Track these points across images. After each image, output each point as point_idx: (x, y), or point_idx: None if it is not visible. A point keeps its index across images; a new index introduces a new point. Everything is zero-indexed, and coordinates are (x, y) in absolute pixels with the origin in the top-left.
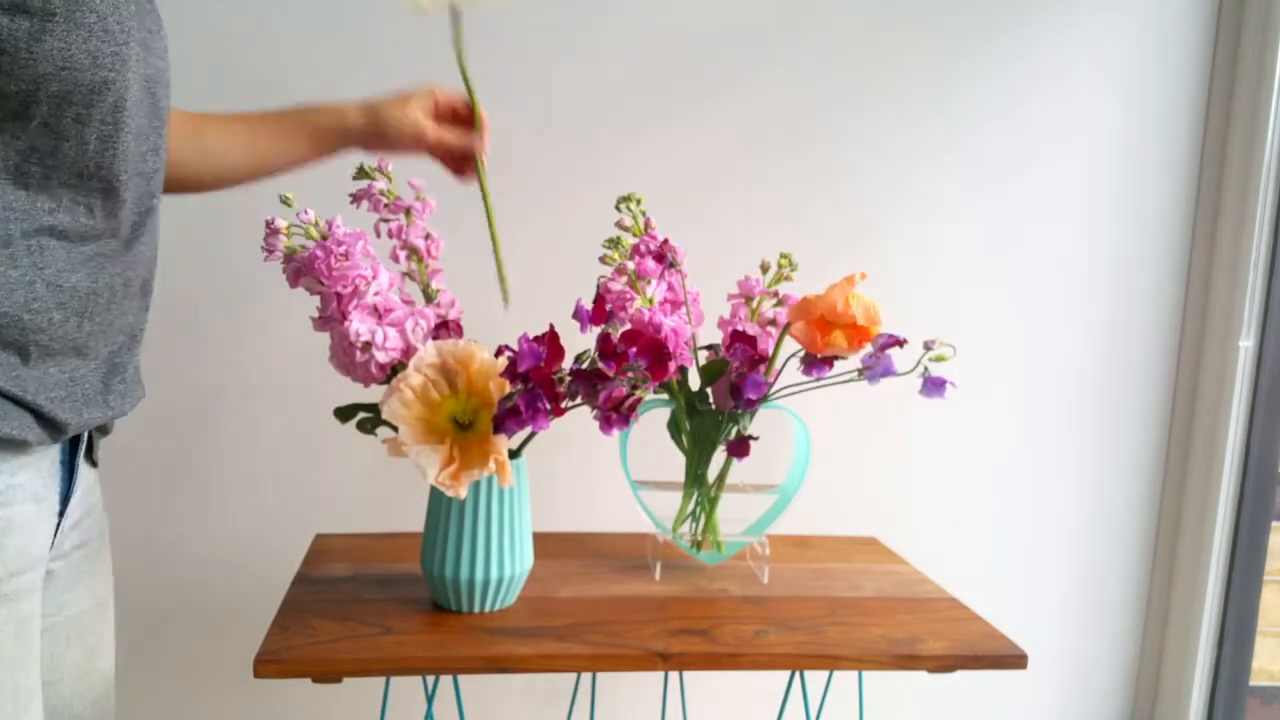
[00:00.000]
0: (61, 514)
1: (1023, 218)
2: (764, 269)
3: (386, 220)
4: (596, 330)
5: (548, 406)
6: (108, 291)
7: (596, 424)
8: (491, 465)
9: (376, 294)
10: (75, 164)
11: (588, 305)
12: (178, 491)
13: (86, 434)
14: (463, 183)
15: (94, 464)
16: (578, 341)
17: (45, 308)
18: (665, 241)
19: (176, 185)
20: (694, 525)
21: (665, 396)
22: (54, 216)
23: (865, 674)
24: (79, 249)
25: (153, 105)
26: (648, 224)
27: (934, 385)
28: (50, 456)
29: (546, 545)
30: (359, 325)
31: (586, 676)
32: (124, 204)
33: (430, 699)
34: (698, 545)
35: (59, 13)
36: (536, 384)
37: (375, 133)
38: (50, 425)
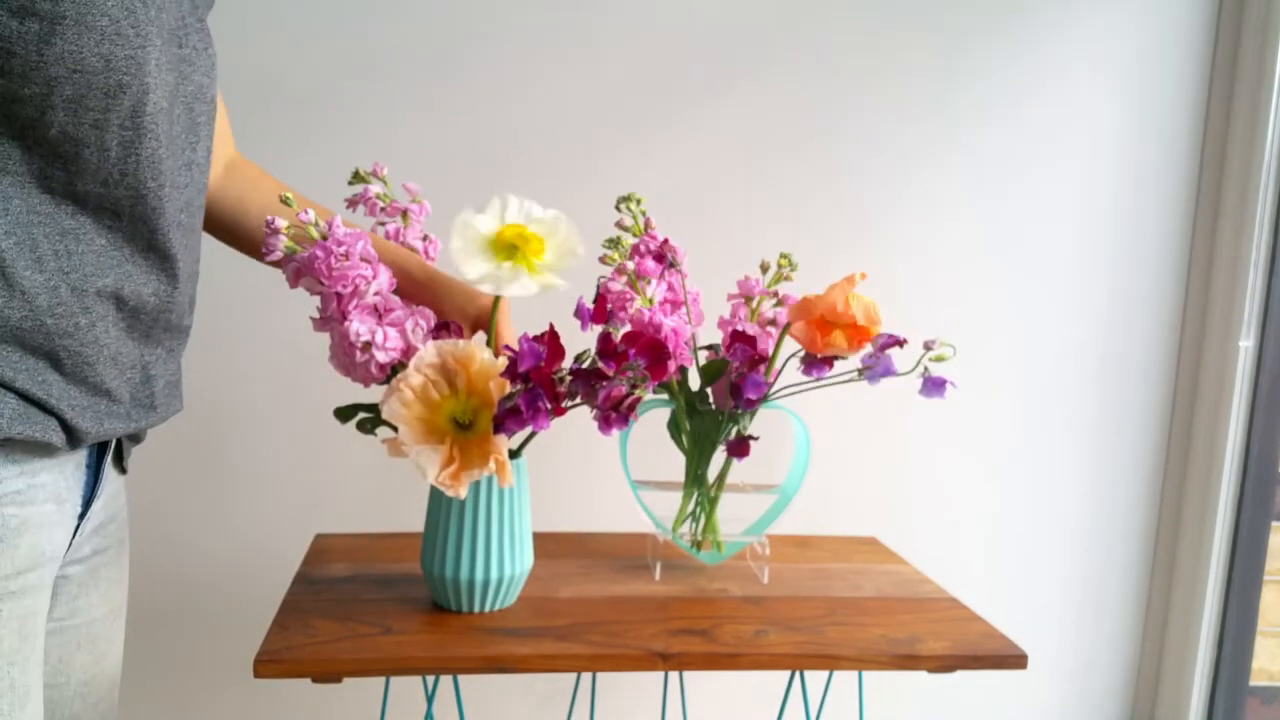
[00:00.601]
0: (82, 517)
1: (1023, 218)
2: (764, 269)
3: (383, 223)
4: (596, 329)
5: (548, 406)
6: (135, 299)
7: (596, 424)
8: (491, 465)
9: (376, 294)
10: (98, 171)
11: (587, 304)
12: (178, 492)
13: (115, 440)
14: None
15: (123, 471)
16: (577, 341)
17: (70, 313)
18: (665, 241)
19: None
20: (694, 525)
21: (665, 396)
22: (77, 219)
23: (865, 674)
24: (110, 254)
25: (190, 120)
26: (648, 224)
27: (934, 385)
28: (76, 459)
29: (546, 545)
30: (359, 325)
31: (586, 676)
32: (159, 214)
33: (430, 699)
34: (698, 545)
35: (68, 15)
36: (537, 383)
37: (429, 295)
38: (69, 432)
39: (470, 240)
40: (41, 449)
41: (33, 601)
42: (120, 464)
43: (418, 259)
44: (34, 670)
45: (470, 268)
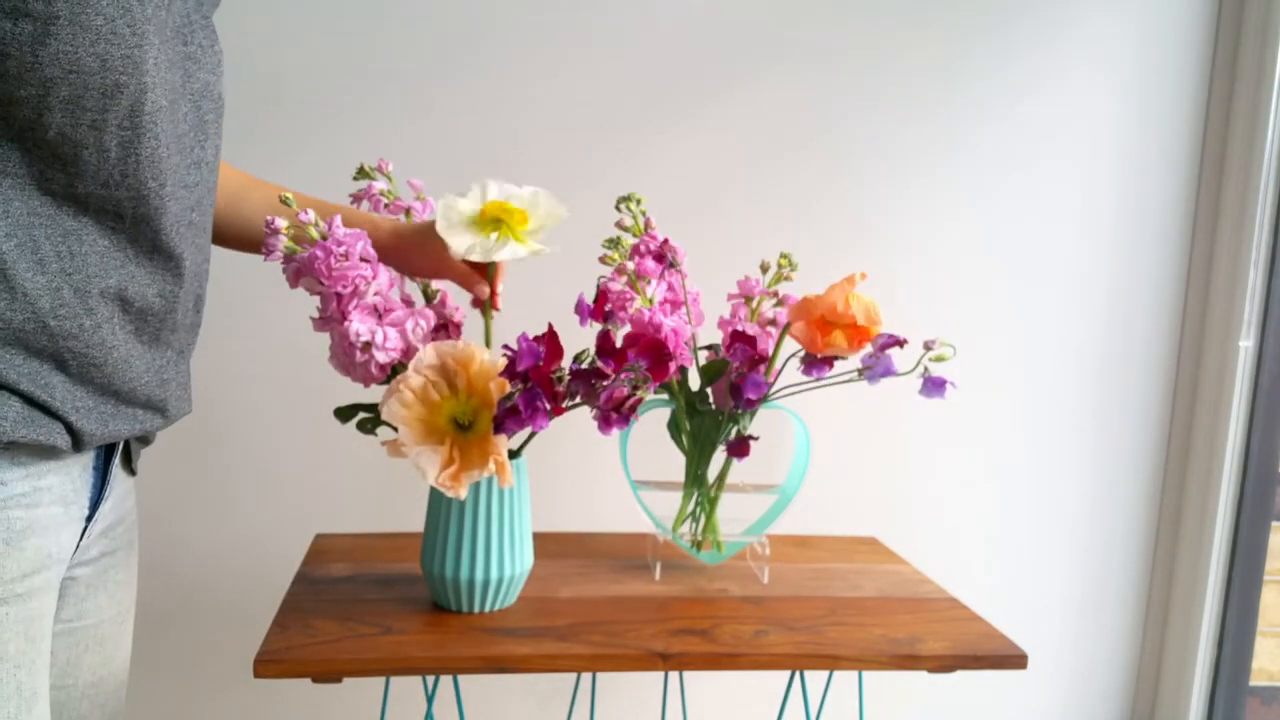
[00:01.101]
0: (90, 519)
1: (1023, 218)
2: (764, 269)
3: None
4: (595, 326)
5: (547, 406)
6: (141, 300)
7: (595, 424)
8: (491, 466)
9: (376, 294)
10: (98, 172)
11: (588, 300)
12: (178, 492)
13: (123, 441)
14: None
15: (132, 472)
16: (577, 341)
17: (73, 314)
18: (665, 241)
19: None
20: (694, 525)
21: (665, 396)
22: (79, 220)
23: (865, 674)
24: (113, 255)
25: (198, 119)
26: (648, 224)
27: (934, 385)
28: (83, 461)
29: (546, 545)
30: (359, 325)
31: (586, 676)
32: (161, 214)
33: (430, 699)
34: (698, 545)
35: (62, 16)
36: (536, 383)
37: (397, 251)
38: (74, 435)
39: (454, 219)
40: (47, 452)
41: (39, 604)
42: (129, 466)
43: (388, 220)
44: (40, 673)
45: (456, 242)
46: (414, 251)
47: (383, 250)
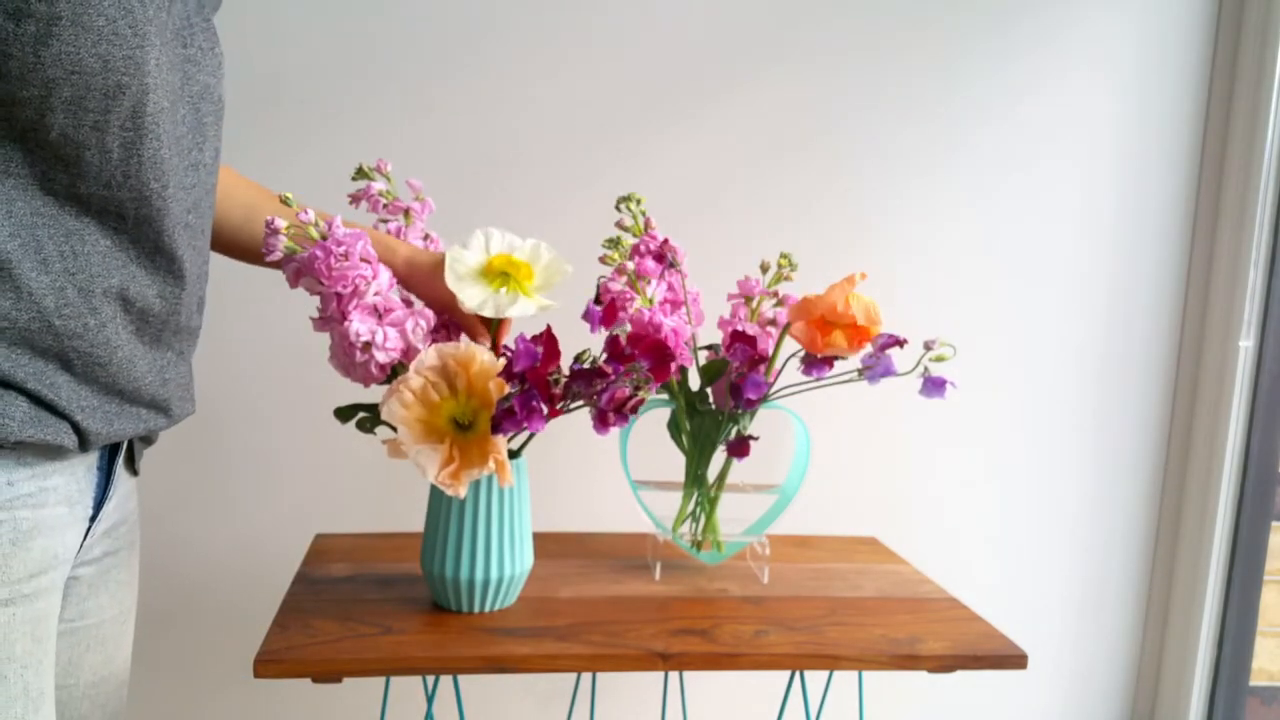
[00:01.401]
0: (94, 519)
1: (1023, 218)
2: (764, 269)
3: (385, 221)
4: (604, 331)
5: (543, 407)
6: (142, 301)
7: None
8: (491, 465)
9: (376, 294)
10: (100, 173)
11: (596, 307)
12: (179, 492)
13: (126, 441)
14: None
15: (135, 472)
16: (578, 340)
17: (78, 313)
18: (665, 241)
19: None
20: (694, 525)
21: (665, 396)
22: (81, 220)
23: (865, 674)
24: (115, 255)
25: (196, 120)
26: (648, 224)
27: (934, 385)
28: (87, 461)
29: (546, 545)
30: (359, 325)
31: (586, 676)
32: (163, 215)
33: (430, 699)
34: (698, 545)
35: (64, 16)
36: (532, 384)
37: (408, 282)
38: (80, 434)
39: (462, 271)
40: (53, 452)
41: (45, 604)
42: (131, 466)
43: (405, 248)
44: (47, 673)
45: (468, 296)
46: (424, 287)
47: (395, 279)
